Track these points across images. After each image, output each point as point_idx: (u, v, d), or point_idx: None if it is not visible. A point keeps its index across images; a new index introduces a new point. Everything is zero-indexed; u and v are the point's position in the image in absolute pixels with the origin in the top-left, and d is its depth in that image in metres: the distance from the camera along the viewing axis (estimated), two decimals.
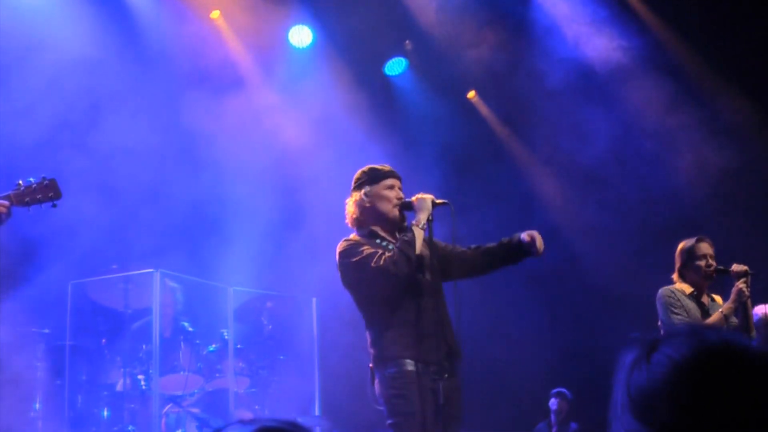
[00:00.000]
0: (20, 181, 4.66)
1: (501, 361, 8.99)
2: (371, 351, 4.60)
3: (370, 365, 4.60)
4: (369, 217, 4.75)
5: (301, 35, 9.07)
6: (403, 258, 4.45)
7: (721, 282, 5.98)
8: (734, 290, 5.73)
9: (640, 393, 1.30)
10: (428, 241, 4.69)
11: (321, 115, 8.89)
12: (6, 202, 4.54)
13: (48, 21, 7.57)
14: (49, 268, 7.17)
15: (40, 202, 4.70)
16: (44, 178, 4.72)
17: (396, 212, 4.74)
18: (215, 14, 8.75)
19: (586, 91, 9.08)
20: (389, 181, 4.77)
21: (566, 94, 9.12)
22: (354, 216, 4.78)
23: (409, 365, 4.46)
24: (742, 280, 5.74)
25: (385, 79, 9.81)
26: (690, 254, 5.91)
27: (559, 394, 8.88)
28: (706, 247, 5.92)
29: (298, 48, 9.13)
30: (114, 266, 7.32)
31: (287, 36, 9.06)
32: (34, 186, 4.67)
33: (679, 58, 8.95)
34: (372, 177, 4.78)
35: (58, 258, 7.19)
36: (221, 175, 8.40)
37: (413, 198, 4.71)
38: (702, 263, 5.87)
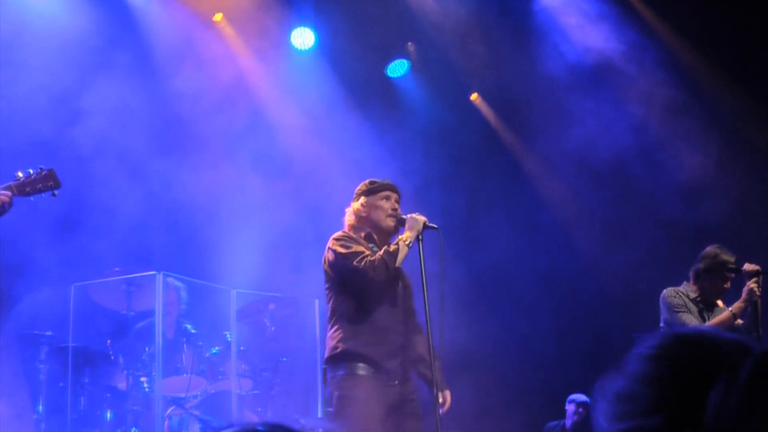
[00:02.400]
0: (19, 173, 4.74)
1: (512, 363, 8.97)
2: (327, 345, 4.80)
3: (324, 366, 4.79)
4: (365, 226, 5.00)
5: (304, 37, 9.07)
6: (382, 265, 4.66)
7: (732, 281, 5.97)
8: (745, 289, 5.72)
9: (618, 397, 1.30)
10: (416, 260, 4.83)
11: (324, 117, 8.90)
12: (8, 192, 4.60)
13: (49, 22, 7.58)
14: (51, 270, 7.17)
15: (40, 191, 4.78)
16: (42, 169, 4.81)
17: (390, 222, 4.98)
18: (218, 17, 8.75)
19: (591, 92, 9.08)
20: (385, 193, 5.01)
21: (571, 95, 9.12)
22: (351, 224, 5.03)
23: (361, 369, 4.65)
24: (754, 279, 5.73)
25: (388, 81, 9.80)
26: (721, 265, 5.88)
27: (577, 403, 8.66)
28: (732, 274, 5.90)
29: (301, 50, 9.13)
30: (117, 269, 7.32)
31: (290, 38, 9.06)
32: (33, 176, 4.75)
33: (686, 57, 8.94)
34: (370, 189, 5.04)
35: (61, 260, 7.19)
36: (224, 176, 8.40)
37: (407, 215, 4.91)
38: (726, 283, 5.88)
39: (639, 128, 9.03)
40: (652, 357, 1.30)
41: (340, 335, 4.77)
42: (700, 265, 5.94)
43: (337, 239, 4.88)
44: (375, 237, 4.97)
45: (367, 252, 4.77)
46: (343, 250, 4.77)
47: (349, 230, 5.01)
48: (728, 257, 5.89)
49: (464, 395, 8.35)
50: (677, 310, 5.79)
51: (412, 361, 4.82)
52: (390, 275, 4.72)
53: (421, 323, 4.92)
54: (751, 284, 5.71)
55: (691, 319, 5.73)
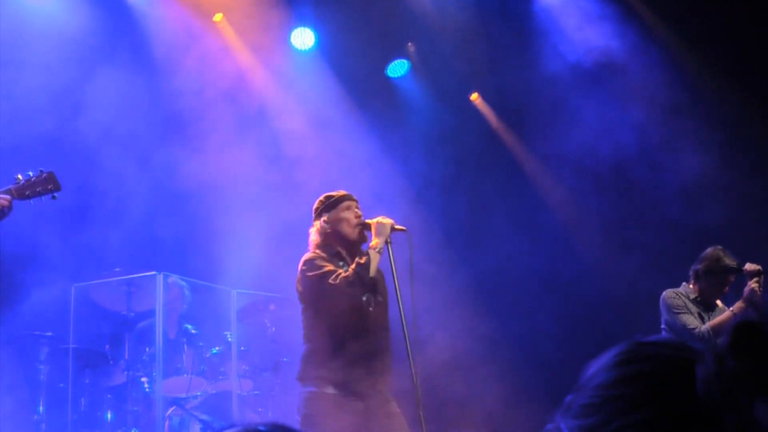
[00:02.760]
0: (19, 176, 4.71)
1: (513, 366, 8.95)
2: (300, 365, 4.87)
3: (297, 379, 4.86)
4: (332, 242, 4.98)
5: (304, 37, 9.07)
6: (357, 280, 4.70)
7: (734, 281, 5.96)
8: (746, 289, 5.70)
9: (590, 407, 1.30)
10: (387, 263, 4.86)
11: (323, 117, 8.90)
12: (8, 196, 4.58)
13: (49, 21, 7.58)
14: (52, 271, 7.17)
15: (40, 194, 4.75)
16: (42, 171, 4.77)
17: (356, 233, 4.97)
18: (218, 17, 8.75)
19: (592, 92, 9.07)
20: (346, 203, 5.02)
21: (571, 96, 9.11)
22: (317, 243, 5.01)
23: (329, 389, 4.70)
24: (755, 279, 5.71)
25: (388, 81, 9.80)
26: (723, 269, 5.87)
27: None
28: (733, 277, 5.90)
29: (301, 50, 9.13)
30: (117, 269, 7.32)
31: (289, 38, 9.06)
32: (33, 179, 4.72)
33: (687, 57, 8.94)
34: (328, 204, 5.04)
35: (62, 261, 7.19)
36: (224, 177, 8.40)
37: (373, 221, 4.93)
38: (726, 285, 5.87)
39: (640, 129, 9.01)
40: (625, 361, 1.30)
41: (312, 357, 4.82)
42: (700, 267, 5.93)
43: (306, 261, 4.90)
44: (343, 252, 4.96)
45: (340, 270, 4.77)
46: (315, 273, 4.79)
47: (315, 250, 4.99)
48: (730, 261, 5.87)
49: (466, 397, 8.38)
50: (677, 311, 5.78)
51: (384, 377, 4.85)
52: (366, 287, 4.75)
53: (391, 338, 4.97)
54: (753, 284, 5.69)
55: (692, 320, 5.72)
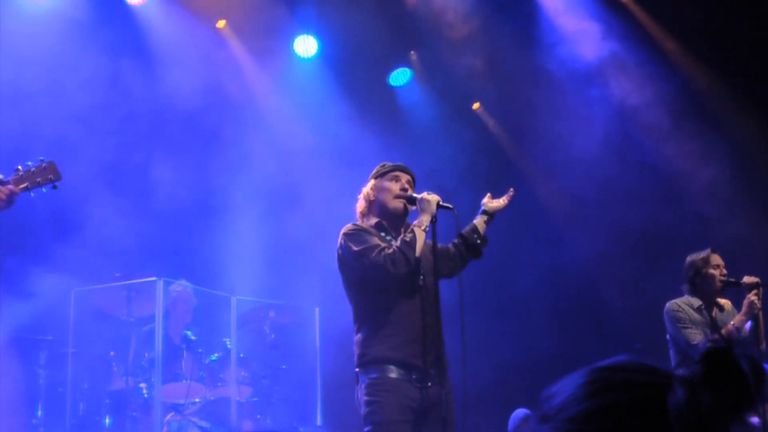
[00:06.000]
0: (19, 167, 4.58)
1: (514, 369, 8.94)
2: (356, 351, 4.55)
3: (356, 369, 4.55)
4: (375, 209, 4.76)
5: (307, 45, 9.09)
6: (401, 258, 4.42)
7: (732, 294, 5.95)
8: (746, 302, 5.68)
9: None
10: (430, 244, 4.65)
11: (326, 125, 8.91)
12: (7, 188, 4.47)
13: (54, 33, 7.60)
14: (52, 275, 7.17)
15: (40, 185, 4.61)
16: (42, 161, 4.62)
17: (397, 204, 4.71)
18: (221, 24, 8.77)
19: (596, 99, 9.09)
20: (395, 173, 4.78)
21: (574, 103, 9.13)
22: (361, 210, 4.81)
23: (392, 371, 4.41)
24: (754, 291, 5.69)
25: (390, 89, 9.81)
26: (703, 264, 5.87)
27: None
28: (718, 258, 5.90)
29: (304, 58, 9.14)
30: (117, 274, 7.32)
31: (292, 46, 9.07)
32: (33, 169, 4.59)
33: (688, 71, 8.97)
34: (381, 171, 4.83)
35: (62, 266, 7.19)
36: (225, 183, 8.42)
37: (418, 195, 4.67)
38: (716, 272, 5.84)
39: (643, 134, 9.04)
40: (598, 390, 1.26)
41: (368, 340, 4.50)
42: (690, 274, 5.93)
43: (347, 234, 4.61)
44: (385, 224, 4.72)
45: (383, 244, 4.52)
46: (356, 246, 4.50)
47: (360, 219, 4.78)
48: (700, 253, 5.90)
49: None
50: (681, 325, 5.76)
51: (440, 360, 4.50)
52: (411, 267, 4.46)
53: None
54: (752, 297, 5.67)
55: (695, 335, 5.70)
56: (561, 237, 9.47)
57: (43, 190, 4.68)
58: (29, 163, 4.60)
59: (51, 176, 4.64)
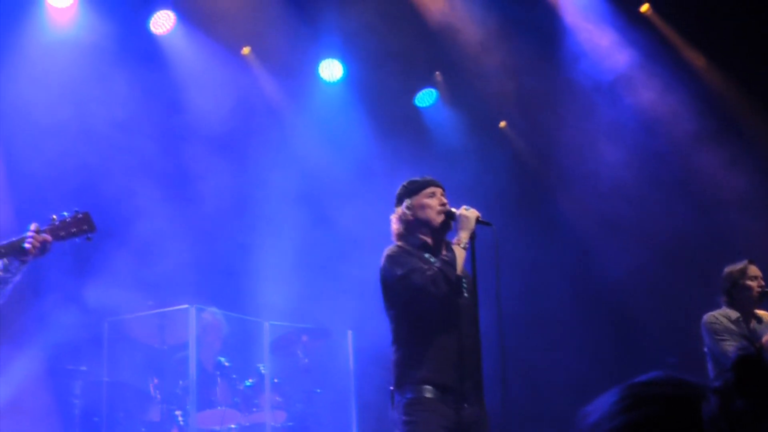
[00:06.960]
0: (54, 216, 4.56)
1: (539, 383, 8.87)
2: (393, 371, 4.52)
3: (391, 388, 4.53)
4: (416, 228, 4.67)
5: (332, 69, 9.12)
6: (442, 278, 4.39)
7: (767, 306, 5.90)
8: None
9: None
10: (470, 261, 4.61)
11: (353, 147, 8.92)
12: (49, 237, 4.49)
13: (79, 64, 7.67)
14: (86, 306, 7.22)
15: (75, 236, 4.60)
16: (77, 212, 4.61)
17: (440, 219, 4.64)
18: (246, 50, 8.82)
19: (623, 116, 9.06)
20: (429, 190, 4.70)
21: (601, 120, 9.10)
22: (398, 232, 4.71)
23: (428, 392, 4.39)
24: None
25: (416, 110, 9.81)
26: (740, 276, 5.82)
27: None
28: (755, 269, 5.85)
29: (329, 82, 9.17)
30: (150, 303, 7.36)
31: (317, 70, 9.11)
32: (68, 220, 4.58)
33: (715, 82, 8.92)
34: (411, 189, 4.73)
35: (95, 296, 7.24)
36: (255, 209, 8.44)
37: (457, 211, 4.63)
38: (753, 284, 5.78)
39: (671, 146, 9.00)
40: (631, 406, 1.27)
41: (406, 361, 4.48)
42: (727, 285, 5.88)
43: (390, 256, 4.57)
44: (429, 241, 4.65)
45: (426, 266, 4.47)
46: (399, 269, 4.47)
47: (398, 241, 4.69)
48: (737, 264, 5.88)
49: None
50: (719, 337, 5.70)
51: (476, 378, 4.49)
52: (452, 286, 4.44)
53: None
54: None
55: (733, 347, 5.64)
56: (592, 252, 9.41)
57: (77, 241, 4.69)
58: (65, 213, 4.59)
59: (86, 227, 4.64)
